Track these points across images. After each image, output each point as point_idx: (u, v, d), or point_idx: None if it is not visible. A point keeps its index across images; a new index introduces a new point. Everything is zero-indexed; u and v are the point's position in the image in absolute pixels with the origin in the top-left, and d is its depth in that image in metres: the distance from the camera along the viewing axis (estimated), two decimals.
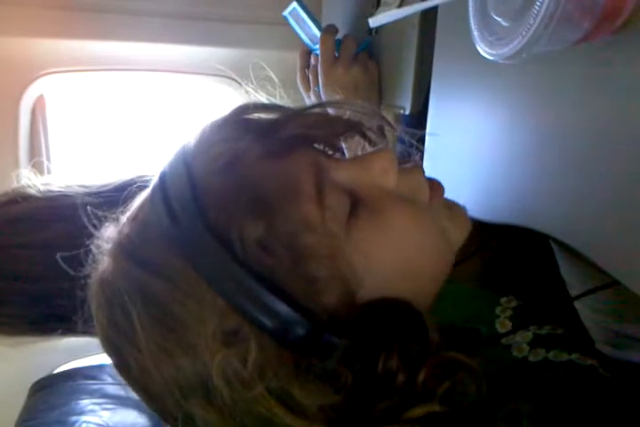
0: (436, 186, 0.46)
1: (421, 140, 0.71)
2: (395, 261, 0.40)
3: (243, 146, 0.39)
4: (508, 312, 0.54)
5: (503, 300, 0.56)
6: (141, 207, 0.41)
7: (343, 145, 0.47)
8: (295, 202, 0.37)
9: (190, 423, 0.38)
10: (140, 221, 0.40)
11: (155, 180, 0.41)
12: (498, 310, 0.55)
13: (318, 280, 0.36)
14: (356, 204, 0.40)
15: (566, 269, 0.71)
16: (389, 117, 1.01)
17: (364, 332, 0.36)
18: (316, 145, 0.45)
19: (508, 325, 0.53)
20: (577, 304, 0.71)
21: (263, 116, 0.44)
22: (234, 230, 0.35)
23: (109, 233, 0.42)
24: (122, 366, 0.40)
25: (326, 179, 0.40)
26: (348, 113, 0.47)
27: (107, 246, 0.41)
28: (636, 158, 0.39)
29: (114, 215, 0.43)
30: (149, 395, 0.40)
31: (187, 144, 0.41)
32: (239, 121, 0.43)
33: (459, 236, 0.46)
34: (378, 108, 0.50)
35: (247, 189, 0.37)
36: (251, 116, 0.43)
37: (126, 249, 0.39)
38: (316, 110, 0.46)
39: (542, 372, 0.46)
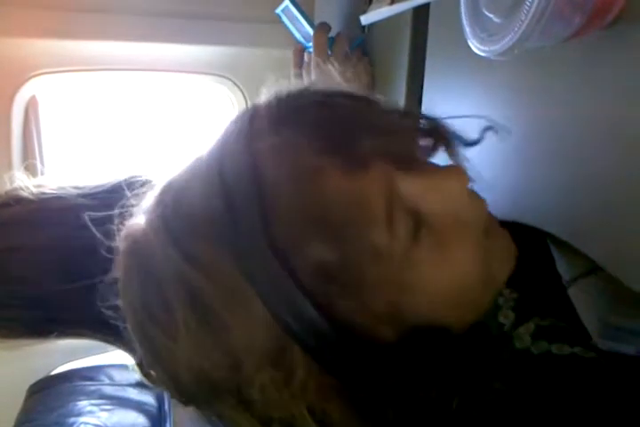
0: (501, 229, 0.43)
1: None
2: (447, 291, 0.37)
3: (321, 159, 0.35)
4: (511, 303, 0.54)
5: (505, 291, 0.56)
6: (188, 189, 0.37)
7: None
8: (366, 228, 0.34)
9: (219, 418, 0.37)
10: (188, 204, 0.36)
11: (210, 161, 0.36)
12: (500, 301, 0.55)
13: (376, 309, 0.35)
14: (419, 227, 0.36)
15: (562, 264, 0.72)
16: None
17: (410, 361, 0.35)
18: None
19: (511, 315, 0.52)
20: (572, 297, 0.71)
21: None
22: (296, 248, 0.33)
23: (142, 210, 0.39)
24: (151, 351, 0.38)
25: (396, 199, 0.36)
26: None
27: (141, 218, 0.38)
28: (625, 152, 0.39)
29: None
30: (177, 384, 0.38)
31: (253, 133, 0.36)
32: (314, 121, 0.38)
33: (503, 275, 0.42)
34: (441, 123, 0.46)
35: (319, 206, 0.33)
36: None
37: (170, 231, 0.35)
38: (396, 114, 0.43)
39: (546, 365, 0.46)
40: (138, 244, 0.37)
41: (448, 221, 0.37)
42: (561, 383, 0.44)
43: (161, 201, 0.37)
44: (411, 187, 0.36)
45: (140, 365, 0.44)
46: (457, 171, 0.39)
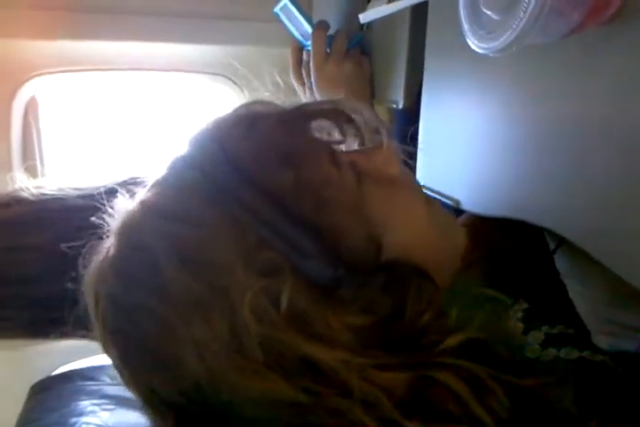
0: (435, 200, 0.51)
1: (414, 134, 0.71)
2: (406, 228, 0.45)
3: (261, 113, 0.44)
4: (520, 314, 0.54)
5: (514, 302, 0.56)
6: (165, 178, 0.43)
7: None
8: (316, 160, 0.42)
9: (214, 384, 0.38)
10: (170, 185, 0.42)
11: (178, 155, 0.43)
12: (510, 313, 0.55)
13: (341, 225, 0.40)
14: (360, 174, 0.45)
15: (561, 261, 0.72)
16: (382, 112, 1.01)
17: (394, 276, 0.40)
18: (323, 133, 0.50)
19: (520, 326, 0.53)
20: (571, 294, 0.71)
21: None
22: (267, 180, 0.39)
23: (124, 202, 0.43)
24: (136, 328, 0.39)
25: (337, 153, 0.45)
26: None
27: (126, 207, 0.42)
28: (625, 148, 0.39)
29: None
30: (164, 358, 0.39)
31: (205, 125, 0.44)
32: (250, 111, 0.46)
33: (459, 234, 0.50)
34: (372, 109, 0.53)
35: (273, 146, 0.41)
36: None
37: (155, 206, 0.41)
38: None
39: (554, 368, 0.47)
40: (127, 222, 0.41)
41: (380, 175, 0.46)
42: (570, 385, 0.44)
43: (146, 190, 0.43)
44: (346, 154, 0.46)
45: (109, 354, 0.45)
46: (381, 146, 0.48)
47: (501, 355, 0.41)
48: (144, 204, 0.41)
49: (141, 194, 0.42)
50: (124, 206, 0.42)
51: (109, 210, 0.44)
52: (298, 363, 0.37)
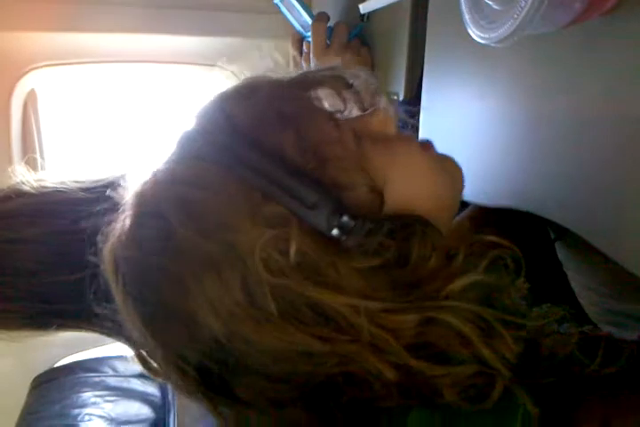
0: (428, 144, 0.51)
1: (415, 125, 0.71)
2: (406, 180, 0.45)
3: (262, 81, 0.46)
4: (524, 292, 0.55)
5: (519, 280, 0.56)
6: (174, 150, 0.44)
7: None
8: (316, 121, 0.43)
9: (232, 340, 0.39)
10: (179, 155, 0.43)
11: (186, 129, 0.44)
12: (512, 291, 0.55)
13: (343, 179, 0.41)
14: (361, 139, 0.46)
15: (563, 252, 0.72)
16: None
17: (398, 224, 0.41)
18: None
19: (523, 304, 0.53)
20: (572, 284, 0.71)
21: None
22: (267, 139, 0.41)
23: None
24: (154, 289, 0.41)
25: (337, 118, 0.47)
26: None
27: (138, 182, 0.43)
28: (625, 139, 0.39)
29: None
30: (182, 317, 0.40)
31: (210, 98, 0.46)
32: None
33: (457, 174, 0.51)
34: (371, 72, 0.55)
35: (273, 107, 0.42)
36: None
37: (165, 175, 0.42)
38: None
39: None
40: (140, 192, 0.43)
41: (378, 135, 0.47)
42: (572, 356, 0.44)
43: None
44: (345, 121, 0.47)
45: (139, 355, 0.46)
46: (377, 109, 0.49)
47: (505, 301, 0.43)
48: (155, 174, 0.43)
49: (153, 167, 0.44)
50: (136, 179, 0.44)
51: (123, 184, 0.46)
52: (310, 311, 0.38)
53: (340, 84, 0.51)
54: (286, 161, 0.40)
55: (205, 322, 0.39)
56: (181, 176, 0.42)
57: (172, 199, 0.40)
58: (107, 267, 0.43)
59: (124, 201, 0.44)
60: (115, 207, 0.44)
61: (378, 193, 0.43)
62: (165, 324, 0.41)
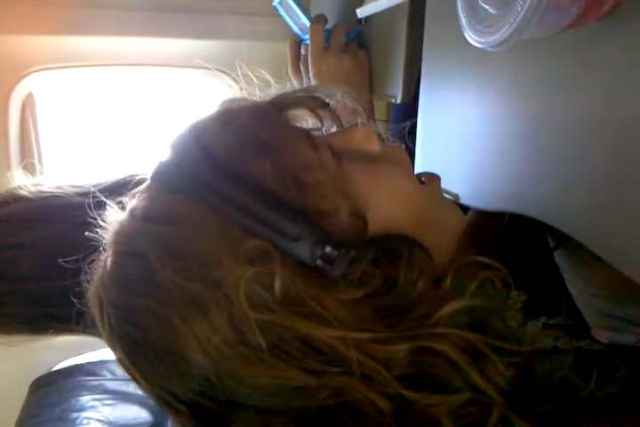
0: (434, 177, 0.51)
1: (413, 128, 0.71)
2: (390, 201, 0.45)
3: (236, 108, 0.46)
4: (518, 305, 0.55)
5: (514, 294, 0.56)
6: (149, 184, 0.44)
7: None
8: (292, 145, 0.43)
9: (222, 378, 0.38)
10: (154, 190, 0.43)
11: (160, 160, 0.44)
12: (509, 304, 0.55)
13: (324, 205, 0.41)
14: (340, 158, 0.45)
15: (561, 256, 0.72)
16: (380, 107, 1.01)
17: (383, 248, 0.41)
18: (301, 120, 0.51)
19: (518, 317, 0.53)
20: (570, 288, 0.71)
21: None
22: (244, 169, 0.40)
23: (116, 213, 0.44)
24: (140, 331, 0.40)
25: (314, 137, 0.46)
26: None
27: (117, 218, 0.43)
28: (623, 142, 0.39)
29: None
30: (171, 357, 0.39)
31: (183, 128, 0.45)
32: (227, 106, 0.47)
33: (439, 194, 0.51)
34: (349, 92, 0.55)
35: (248, 137, 0.42)
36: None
37: (141, 212, 0.42)
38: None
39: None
40: (117, 232, 0.42)
41: (358, 152, 0.47)
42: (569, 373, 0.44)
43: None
44: (327, 140, 0.47)
45: (119, 360, 0.45)
46: (358, 124, 0.49)
47: (497, 325, 0.42)
48: (131, 212, 0.42)
49: (130, 204, 0.43)
50: (114, 218, 0.43)
51: (102, 224, 0.44)
52: (299, 344, 0.38)
53: (316, 103, 0.51)
54: (265, 191, 0.40)
55: (195, 361, 0.38)
56: (157, 213, 0.41)
57: (151, 238, 0.40)
58: (92, 308, 0.42)
59: (104, 241, 0.43)
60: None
61: (361, 216, 0.42)
62: (154, 363, 0.40)
